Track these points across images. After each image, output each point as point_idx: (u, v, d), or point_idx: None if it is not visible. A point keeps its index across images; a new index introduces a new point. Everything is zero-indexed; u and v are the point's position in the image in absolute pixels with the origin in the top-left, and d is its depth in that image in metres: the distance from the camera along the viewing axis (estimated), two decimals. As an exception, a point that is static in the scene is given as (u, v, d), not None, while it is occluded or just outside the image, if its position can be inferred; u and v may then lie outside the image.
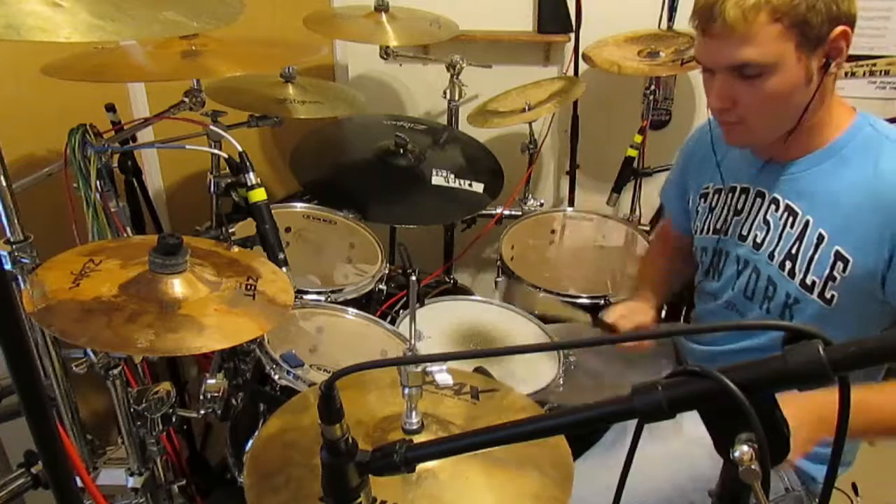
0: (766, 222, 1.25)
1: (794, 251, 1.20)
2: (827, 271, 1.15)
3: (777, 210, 1.23)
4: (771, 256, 1.23)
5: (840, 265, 1.14)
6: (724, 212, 1.34)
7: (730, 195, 1.33)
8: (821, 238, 1.16)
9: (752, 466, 0.57)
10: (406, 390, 0.95)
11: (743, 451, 0.58)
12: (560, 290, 1.78)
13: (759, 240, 1.26)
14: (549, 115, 2.38)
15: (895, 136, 1.14)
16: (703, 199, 1.40)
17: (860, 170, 1.14)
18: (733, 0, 1.06)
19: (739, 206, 1.31)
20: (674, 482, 1.23)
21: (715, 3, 1.08)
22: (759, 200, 1.27)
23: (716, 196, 1.37)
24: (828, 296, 1.16)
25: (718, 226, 1.35)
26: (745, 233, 1.29)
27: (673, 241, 1.61)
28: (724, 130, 1.22)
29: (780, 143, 1.20)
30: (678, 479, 1.23)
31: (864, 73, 2.39)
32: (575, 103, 2.35)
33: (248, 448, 1.35)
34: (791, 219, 1.21)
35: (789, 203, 1.21)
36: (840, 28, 1.06)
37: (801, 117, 1.13)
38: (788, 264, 1.21)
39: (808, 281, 1.18)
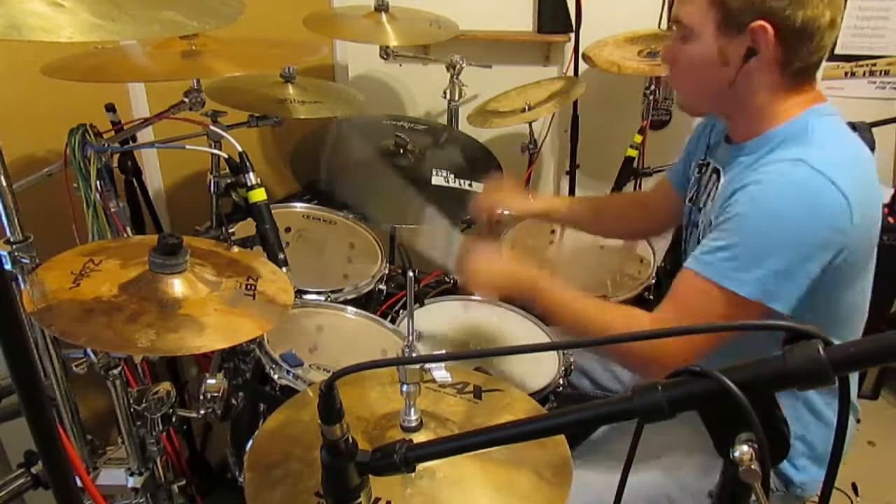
0: (714, 197, 1.27)
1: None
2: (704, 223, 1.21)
3: (718, 187, 1.26)
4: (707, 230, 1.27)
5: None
6: (697, 184, 1.37)
7: (704, 169, 1.36)
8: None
9: (752, 466, 0.57)
10: (405, 388, 0.95)
11: (743, 451, 0.58)
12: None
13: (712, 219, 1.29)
14: (549, 115, 2.38)
15: (814, 140, 1.12)
16: (695, 171, 1.42)
17: (765, 156, 1.14)
18: None
19: (704, 181, 1.34)
20: (654, 481, 1.26)
21: None
22: (714, 176, 1.30)
23: (698, 169, 1.39)
24: None
25: (692, 196, 1.39)
26: (701, 205, 1.33)
27: (658, 190, 1.64)
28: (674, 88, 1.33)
29: (728, 122, 1.28)
30: (657, 478, 1.26)
31: (864, 73, 2.39)
32: (575, 103, 2.35)
33: (248, 447, 1.35)
34: (722, 195, 1.22)
35: (727, 181, 1.24)
36: (759, 22, 1.08)
37: (728, 99, 1.18)
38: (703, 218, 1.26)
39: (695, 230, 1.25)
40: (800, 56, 1.12)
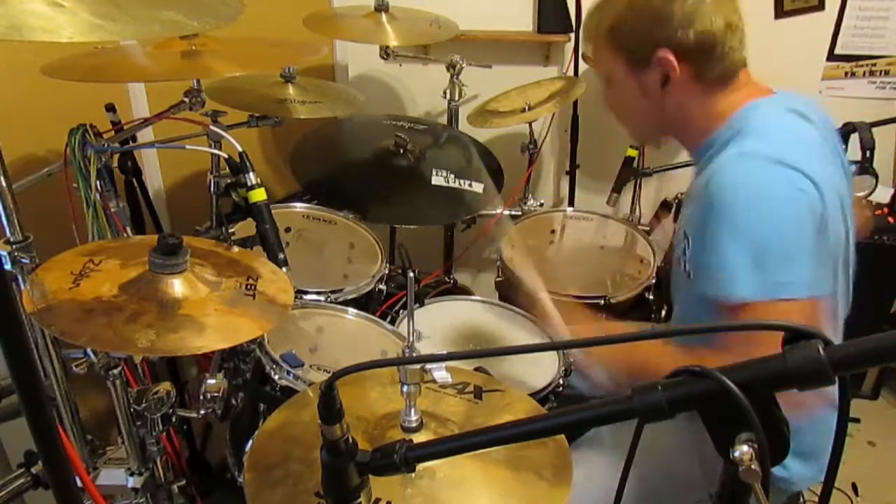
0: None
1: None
2: (682, 246, 1.20)
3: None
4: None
5: (685, 242, 1.18)
6: None
7: None
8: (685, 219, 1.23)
9: (752, 466, 0.57)
10: (405, 388, 0.95)
11: (743, 451, 0.58)
12: (560, 290, 1.78)
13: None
14: (549, 115, 2.38)
15: (750, 131, 1.14)
16: None
17: (711, 161, 1.16)
18: (587, 23, 1.30)
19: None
20: (648, 480, 1.24)
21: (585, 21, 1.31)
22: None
23: None
24: (686, 269, 1.18)
25: None
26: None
27: None
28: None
29: (682, 142, 1.32)
30: (651, 477, 1.25)
31: (864, 73, 2.39)
32: (575, 103, 2.35)
33: (248, 447, 1.35)
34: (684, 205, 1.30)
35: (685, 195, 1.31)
36: (659, 52, 1.16)
37: (667, 124, 1.27)
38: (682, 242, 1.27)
39: (677, 254, 1.25)
40: (710, 66, 1.18)
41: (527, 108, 2.11)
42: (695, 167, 1.29)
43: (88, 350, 1.06)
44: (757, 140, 1.12)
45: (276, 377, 1.33)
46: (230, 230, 1.48)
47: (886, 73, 2.37)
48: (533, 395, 1.36)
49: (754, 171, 1.08)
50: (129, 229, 1.33)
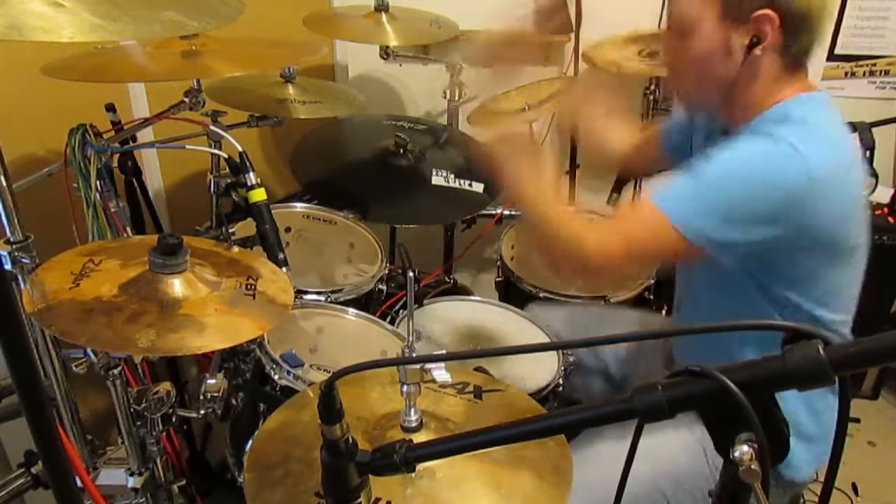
0: None
1: None
2: None
3: None
4: None
5: None
6: None
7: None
8: None
9: (752, 466, 0.57)
10: (405, 388, 0.95)
11: (743, 451, 0.58)
12: (560, 291, 1.79)
13: None
14: (549, 115, 2.38)
15: (794, 119, 1.13)
16: (692, 152, 1.41)
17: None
18: None
19: None
20: (651, 477, 1.26)
21: None
22: None
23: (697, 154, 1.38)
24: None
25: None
26: None
27: (649, 137, 1.60)
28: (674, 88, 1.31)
29: (723, 113, 1.25)
30: (655, 476, 1.27)
31: (864, 73, 2.39)
32: (575, 103, 2.35)
33: (248, 447, 1.35)
34: None
35: None
36: (764, 10, 1.09)
37: (730, 89, 1.17)
38: None
39: None
40: (799, 42, 1.13)
41: (527, 108, 2.11)
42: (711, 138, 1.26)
43: (88, 350, 1.06)
44: (795, 131, 1.10)
45: (276, 377, 1.33)
46: (230, 230, 1.48)
47: (886, 73, 2.37)
48: (533, 394, 1.36)
49: (775, 156, 1.08)
50: (129, 229, 1.33)
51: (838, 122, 1.18)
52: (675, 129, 1.51)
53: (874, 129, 1.59)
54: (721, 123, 1.30)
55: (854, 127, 1.57)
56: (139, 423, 1.16)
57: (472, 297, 1.77)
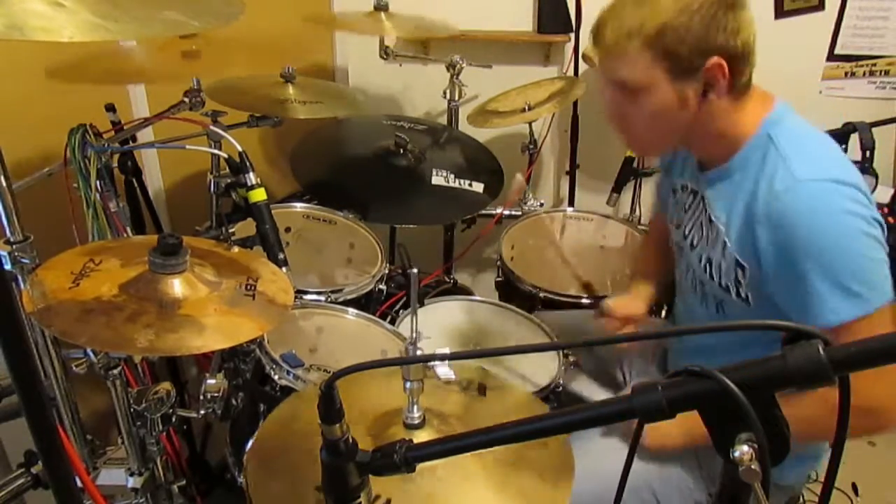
0: (699, 223, 1.29)
1: (711, 255, 1.25)
2: (733, 276, 1.20)
3: (704, 213, 1.28)
4: (699, 258, 1.28)
5: (739, 271, 1.18)
6: (682, 208, 1.37)
7: (684, 192, 1.37)
8: (724, 245, 1.21)
9: (752, 466, 0.57)
10: (407, 385, 0.95)
11: (743, 451, 0.58)
12: (560, 291, 1.79)
13: (694, 241, 1.31)
14: (549, 115, 2.38)
15: (789, 153, 1.13)
16: (674, 194, 1.42)
17: (756, 185, 1.15)
18: (611, 25, 1.15)
19: (687, 205, 1.35)
20: (637, 473, 1.25)
21: (599, 24, 1.17)
22: (699, 201, 1.31)
23: (681, 192, 1.39)
24: (743, 295, 1.20)
25: (677, 222, 1.39)
26: (687, 231, 1.34)
27: (665, 232, 1.62)
28: (623, 141, 1.30)
29: (694, 150, 1.28)
30: (641, 470, 1.27)
31: (864, 73, 2.39)
32: (575, 103, 2.35)
33: (248, 448, 1.35)
34: (710, 223, 1.25)
35: (710, 208, 1.26)
36: (712, 60, 1.10)
37: (687, 133, 1.19)
38: (709, 267, 1.26)
39: (723, 284, 1.23)
40: (746, 74, 1.15)
41: (527, 108, 2.11)
42: (702, 175, 1.27)
43: (88, 350, 1.06)
44: (803, 162, 1.11)
45: (276, 377, 1.33)
46: (230, 230, 1.48)
47: (886, 73, 2.37)
48: (535, 394, 1.36)
49: (818, 197, 1.08)
50: (128, 229, 1.32)
51: (807, 124, 1.20)
52: (664, 195, 1.52)
53: (874, 129, 1.59)
54: (696, 159, 1.30)
55: (854, 127, 1.57)
56: (139, 423, 1.16)
57: (473, 297, 1.77)
